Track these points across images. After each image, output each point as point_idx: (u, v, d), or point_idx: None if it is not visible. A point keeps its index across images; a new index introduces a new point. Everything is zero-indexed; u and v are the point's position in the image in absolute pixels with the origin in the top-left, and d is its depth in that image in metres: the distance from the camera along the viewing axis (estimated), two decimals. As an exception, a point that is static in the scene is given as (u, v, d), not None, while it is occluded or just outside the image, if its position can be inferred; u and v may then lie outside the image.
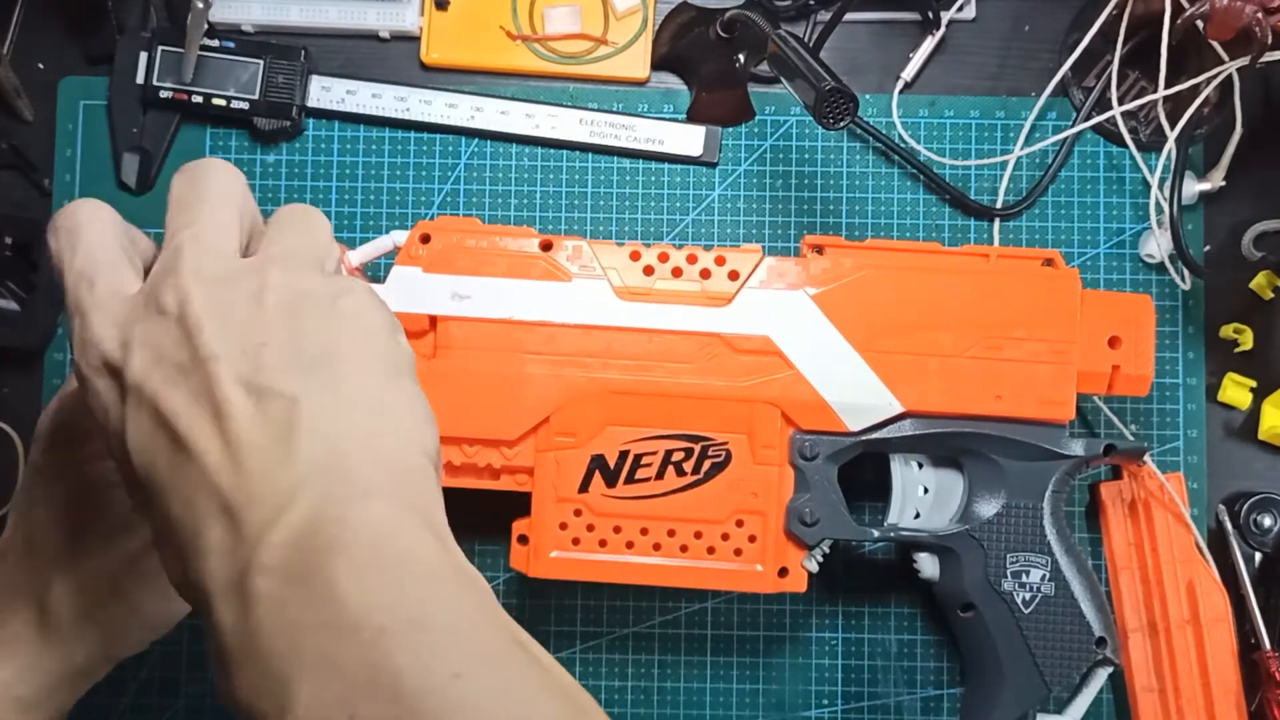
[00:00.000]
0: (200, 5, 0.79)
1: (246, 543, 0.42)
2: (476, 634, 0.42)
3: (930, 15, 0.83)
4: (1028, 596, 0.72)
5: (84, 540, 0.63)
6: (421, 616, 0.41)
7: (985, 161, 0.83)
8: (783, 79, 0.72)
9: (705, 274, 0.71)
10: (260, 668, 0.40)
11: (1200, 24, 0.73)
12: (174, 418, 0.44)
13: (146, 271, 0.52)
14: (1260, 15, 0.71)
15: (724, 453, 0.71)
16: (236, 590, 0.41)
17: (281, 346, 0.46)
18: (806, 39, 0.81)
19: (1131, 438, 0.80)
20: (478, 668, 0.40)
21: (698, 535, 0.71)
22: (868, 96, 0.84)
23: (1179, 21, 0.74)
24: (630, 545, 0.71)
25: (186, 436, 0.44)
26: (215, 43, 0.82)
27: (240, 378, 0.45)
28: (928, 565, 0.74)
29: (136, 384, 0.45)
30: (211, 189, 0.51)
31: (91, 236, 0.50)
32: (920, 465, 0.75)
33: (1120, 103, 0.81)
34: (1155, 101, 0.80)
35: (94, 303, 0.48)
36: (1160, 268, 0.82)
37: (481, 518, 0.72)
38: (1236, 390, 0.82)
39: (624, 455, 0.71)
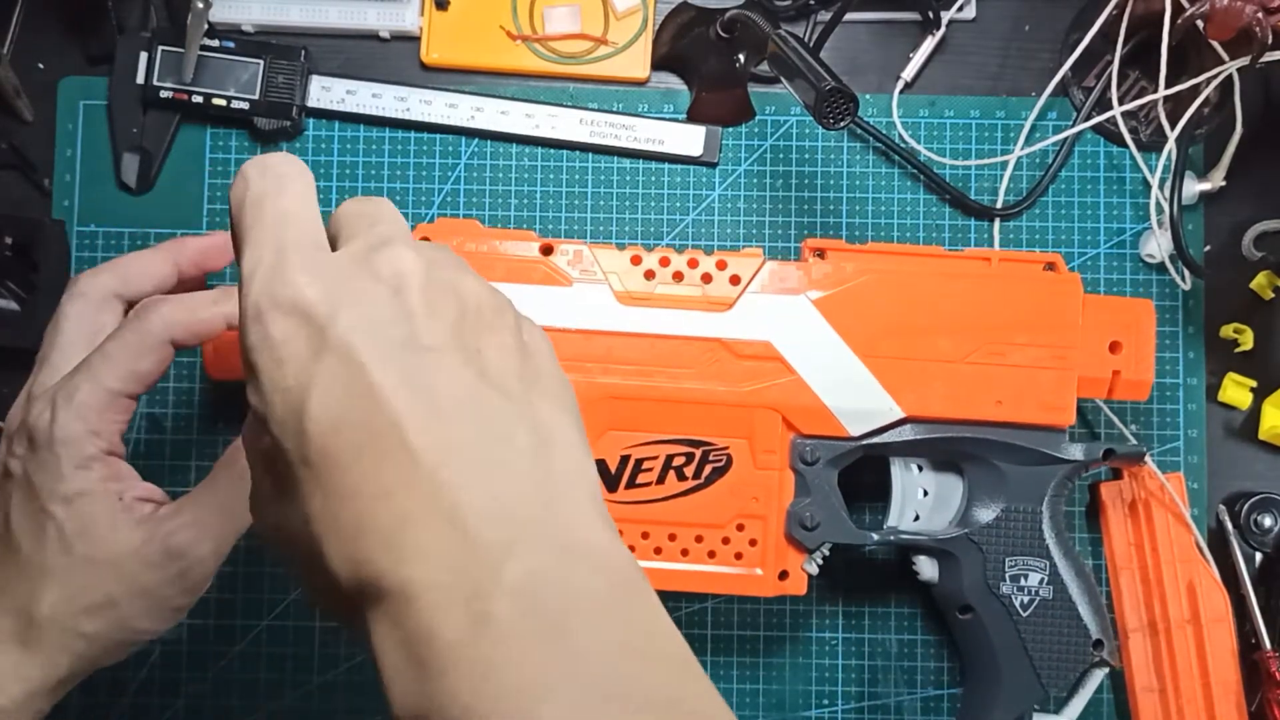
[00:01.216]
0: (200, 5, 0.79)
1: (483, 563, 0.40)
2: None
3: (930, 15, 0.83)
4: (1026, 600, 0.72)
5: (76, 552, 0.61)
6: (677, 699, 0.40)
7: (985, 161, 0.83)
8: (783, 79, 0.72)
9: (706, 278, 0.71)
10: (490, 688, 0.38)
11: (1200, 24, 0.73)
12: (387, 395, 0.41)
13: None
14: (1260, 15, 0.71)
15: (725, 457, 0.71)
16: (465, 606, 0.39)
17: (496, 361, 0.44)
18: (806, 39, 0.81)
19: (1132, 438, 0.80)
20: None
21: (699, 539, 0.71)
22: (868, 96, 0.84)
23: (1179, 21, 0.74)
24: (631, 549, 0.70)
25: (400, 423, 0.41)
26: (215, 43, 0.82)
27: (460, 379, 0.43)
28: (927, 567, 0.75)
29: (344, 344, 0.42)
30: (393, 210, 0.49)
31: (299, 186, 0.47)
32: (920, 468, 0.75)
33: (1120, 103, 0.81)
34: (1155, 101, 0.80)
35: (294, 243, 0.44)
36: (1160, 268, 0.82)
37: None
38: (1237, 390, 0.82)
39: (625, 460, 0.71)
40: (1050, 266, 0.72)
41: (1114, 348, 0.72)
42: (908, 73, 0.84)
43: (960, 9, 0.84)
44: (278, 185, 0.46)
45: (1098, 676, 0.74)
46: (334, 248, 0.47)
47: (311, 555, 0.43)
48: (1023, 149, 0.82)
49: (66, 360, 0.66)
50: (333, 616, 0.45)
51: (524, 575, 0.40)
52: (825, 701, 0.81)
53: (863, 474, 0.75)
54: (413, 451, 0.41)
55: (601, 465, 0.71)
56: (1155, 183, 0.80)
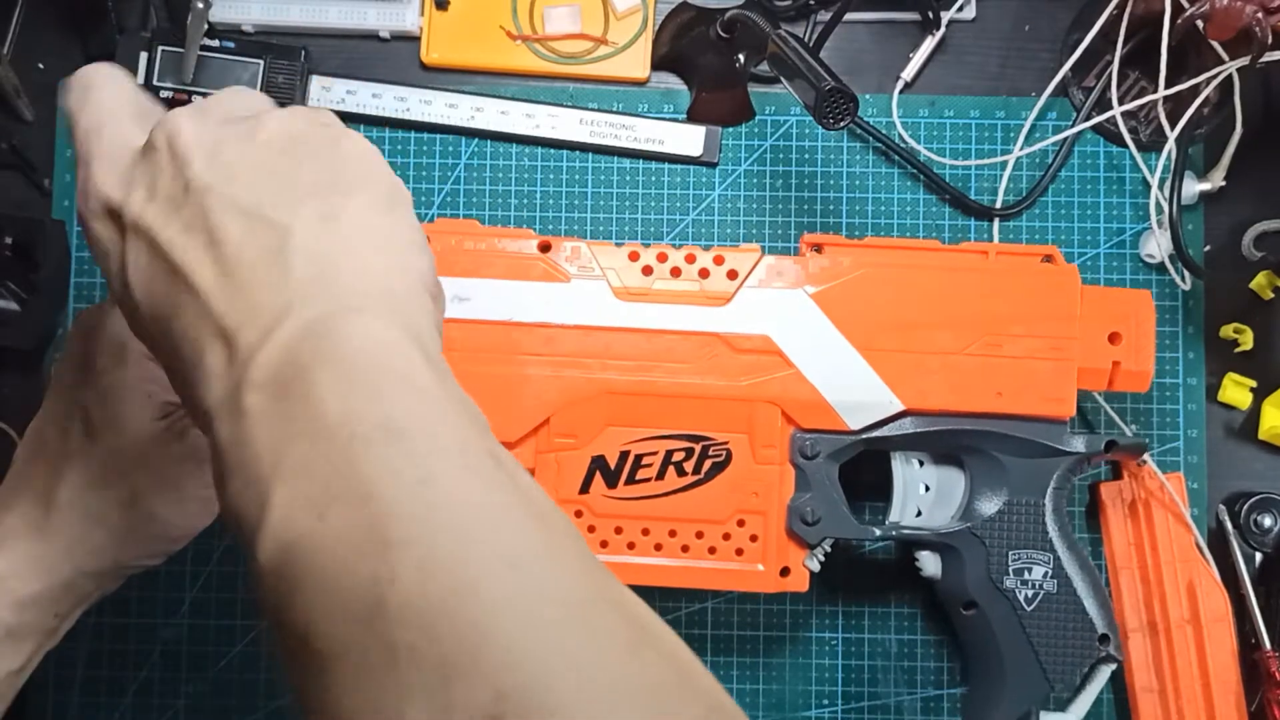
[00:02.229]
0: (200, 5, 0.80)
1: (240, 362, 0.42)
2: (451, 445, 0.42)
3: (930, 15, 0.83)
4: (1030, 594, 0.72)
5: (101, 441, 0.63)
6: (395, 424, 0.41)
7: (985, 161, 0.83)
8: (783, 79, 0.72)
9: (704, 273, 0.71)
10: (245, 477, 0.41)
11: (1200, 24, 0.73)
12: (169, 248, 0.45)
13: None
14: (1260, 15, 0.71)
15: (725, 452, 0.71)
16: (230, 408, 0.42)
17: (276, 179, 0.46)
18: (806, 39, 0.81)
19: (1132, 437, 0.80)
20: (447, 476, 0.40)
21: (699, 535, 0.71)
22: (868, 96, 0.84)
23: (1179, 21, 0.74)
24: (632, 546, 0.71)
25: (182, 264, 0.44)
26: (215, 43, 0.82)
27: (233, 205, 0.45)
28: (929, 563, 0.74)
29: (134, 220, 0.46)
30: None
31: (104, 93, 0.51)
32: (921, 463, 0.75)
33: (1120, 103, 0.81)
34: (1155, 101, 0.80)
35: (100, 151, 0.49)
36: (1160, 268, 0.82)
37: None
38: (1236, 390, 0.82)
39: (624, 456, 0.71)
40: (1048, 259, 0.72)
41: (1113, 339, 0.72)
42: (908, 73, 0.84)
43: (960, 9, 0.84)
44: (81, 99, 0.51)
45: (1105, 672, 0.74)
46: None
47: None
48: (1022, 149, 0.82)
49: None
50: None
51: (272, 361, 0.42)
52: (825, 701, 0.81)
53: (864, 472, 0.75)
54: (196, 285, 0.44)
55: (601, 461, 0.71)
56: (1155, 183, 0.80)
